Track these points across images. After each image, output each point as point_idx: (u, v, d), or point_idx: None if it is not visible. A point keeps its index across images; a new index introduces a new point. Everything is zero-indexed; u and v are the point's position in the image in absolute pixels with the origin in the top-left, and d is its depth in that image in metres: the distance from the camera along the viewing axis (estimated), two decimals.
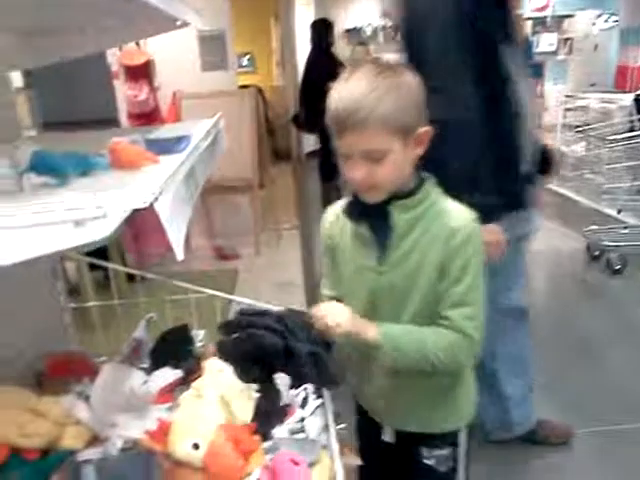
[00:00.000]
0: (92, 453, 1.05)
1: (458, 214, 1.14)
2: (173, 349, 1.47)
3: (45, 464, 1.05)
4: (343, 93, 1.06)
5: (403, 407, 1.31)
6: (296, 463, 0.97)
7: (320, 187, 6.11)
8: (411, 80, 1.08)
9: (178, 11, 1.13)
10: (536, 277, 3.99)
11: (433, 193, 1.16)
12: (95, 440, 1.10)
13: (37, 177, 0.76)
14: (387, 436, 1.37)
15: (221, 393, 1.08)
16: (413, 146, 1.09)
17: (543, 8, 9.24)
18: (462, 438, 1.33)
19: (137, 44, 4.70)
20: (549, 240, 4.54)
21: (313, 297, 3.52)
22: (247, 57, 9.65)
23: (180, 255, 0.65)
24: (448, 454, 1.32)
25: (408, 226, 1.14)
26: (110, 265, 1.70)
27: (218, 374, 1.16)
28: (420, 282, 1.15)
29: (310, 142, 7.73)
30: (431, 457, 1.32)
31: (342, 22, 9.31)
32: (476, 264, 1.13)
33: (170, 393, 1.21)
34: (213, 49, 4.90)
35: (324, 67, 5.56)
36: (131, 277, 2.66)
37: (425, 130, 1.09)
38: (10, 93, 1.52)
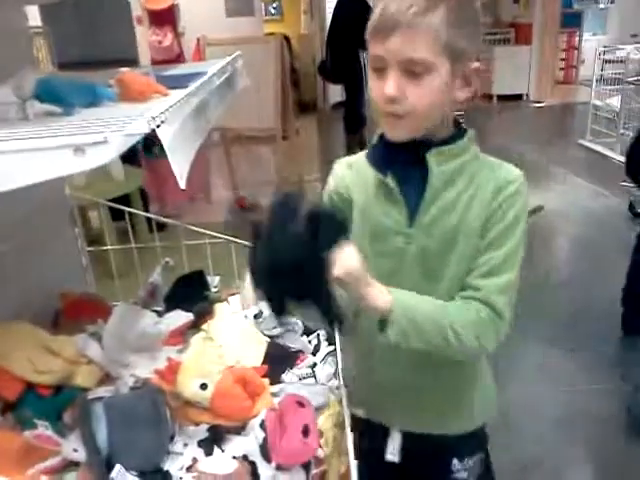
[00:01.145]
0: (103, 391, 1.06)
1: (508, 167, 0.99)
2: (188, 294, 1.47)
3: (58, 401, 1.07)
4: None
5: (418, 399, 1.09)
6: (302, 405, 0.97)
7: (344, 139, 6.02)
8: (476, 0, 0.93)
9: None
10: (571, 236, 3.90)
11: (473, 146, 1.00)
12: (107, 379, 1.11)
13: (41, 105, 0.74)
14: (391, 453, 1.13)
15: (231, 336, 1.08)
16: (459, 82, 0.93)
17: None
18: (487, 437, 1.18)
19: None
20: (581, 198, 4.44)
21: None
22: (274, 3, 9.44)
23: (182, 184, 0.63)
24: (481, 459, 1.16)
25: (448, 177, 0.96)
26: (129, 210, 1.70)
27: (229, 318, 1.15)
28: (460, 246, 0.96)
29: (336, 94, 7.61)
30: (463, 469, 1.14)
31: None
32: (522, 226, 0.96)
33: (181, 335, 1.21)
34: None
35: (354, 13, 5.36)
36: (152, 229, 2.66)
37: (476, 66, 0.93)
38: (26, 29, 1.49)
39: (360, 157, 1.08)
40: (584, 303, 3.00)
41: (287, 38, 7.42)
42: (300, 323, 1.36)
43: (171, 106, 0.67)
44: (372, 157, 1.03)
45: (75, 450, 0.95)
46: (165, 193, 4.33)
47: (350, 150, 5.68)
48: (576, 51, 9.14)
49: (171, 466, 0.94)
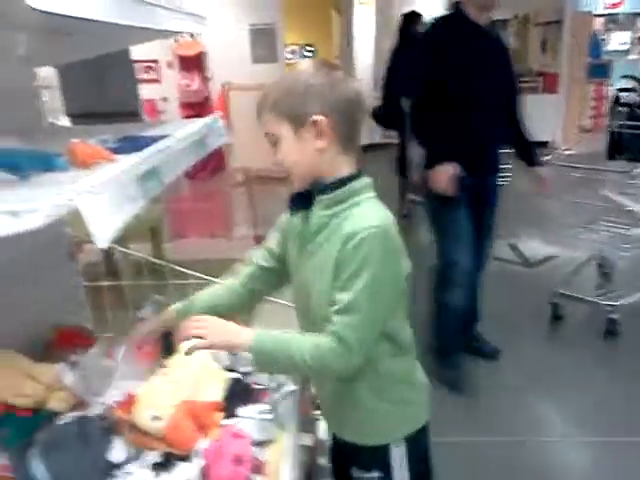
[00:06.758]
0: (73, 416, 1.17)
1: (361, 219, 1.09)
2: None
3: (34, 421, 1.18)
4: None
5: (335, 408, 1.28)
6: (238, 436, 1.06)
7: (398, 182, 5.79)
8: (308, 69, 1.15)
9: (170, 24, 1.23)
10: None
11: (358, 195, 1.12)
12: (80, 405, 1.22)
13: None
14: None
15: (188, 372, 1.18)
16: (311, 136, 1.09)
17: (616, 5, 8.96)
18: (395, 459, 1.24)
19: (191, 36, 4.89)
20: None
21: None
22: (309, 48, 9.69)
23: (102, 245, 0.74)
24: (378, 478, 1.24)
25: (321, 223, 1.13)
26: (120, 249, 1.83)
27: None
28: (322, 283, 1.12)
29: (364, 136, 7.65)
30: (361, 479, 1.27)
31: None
32: (372, 272, 1.05)
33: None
34: (263, 42, 5.04)
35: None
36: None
37: (318, 119, 1.07)
38: (34, 85, 1.65)
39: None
40: None
41: None
42: None
43: (106, 178, 0.79)
44: (290, 200, 1.22)
45: None
46: (186, 230, 4.51)
47: (402, 193, 5.50)
48: (605, 101, 9.14)
49: None
